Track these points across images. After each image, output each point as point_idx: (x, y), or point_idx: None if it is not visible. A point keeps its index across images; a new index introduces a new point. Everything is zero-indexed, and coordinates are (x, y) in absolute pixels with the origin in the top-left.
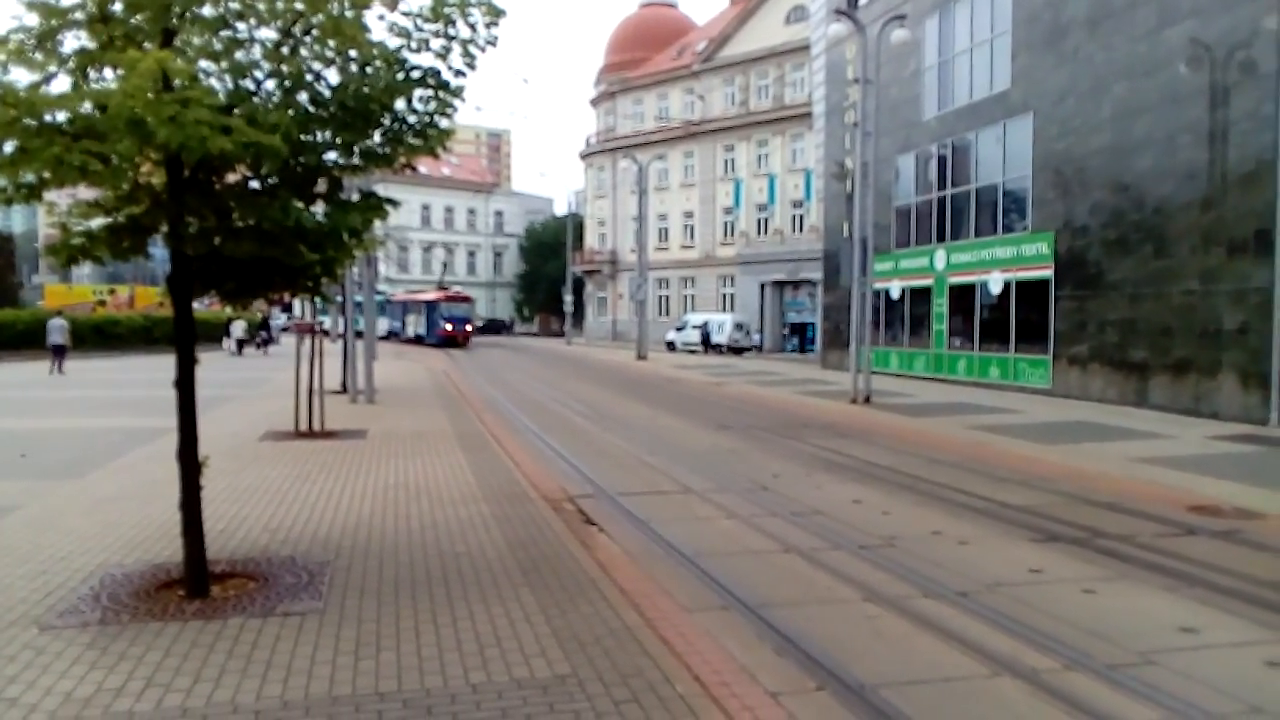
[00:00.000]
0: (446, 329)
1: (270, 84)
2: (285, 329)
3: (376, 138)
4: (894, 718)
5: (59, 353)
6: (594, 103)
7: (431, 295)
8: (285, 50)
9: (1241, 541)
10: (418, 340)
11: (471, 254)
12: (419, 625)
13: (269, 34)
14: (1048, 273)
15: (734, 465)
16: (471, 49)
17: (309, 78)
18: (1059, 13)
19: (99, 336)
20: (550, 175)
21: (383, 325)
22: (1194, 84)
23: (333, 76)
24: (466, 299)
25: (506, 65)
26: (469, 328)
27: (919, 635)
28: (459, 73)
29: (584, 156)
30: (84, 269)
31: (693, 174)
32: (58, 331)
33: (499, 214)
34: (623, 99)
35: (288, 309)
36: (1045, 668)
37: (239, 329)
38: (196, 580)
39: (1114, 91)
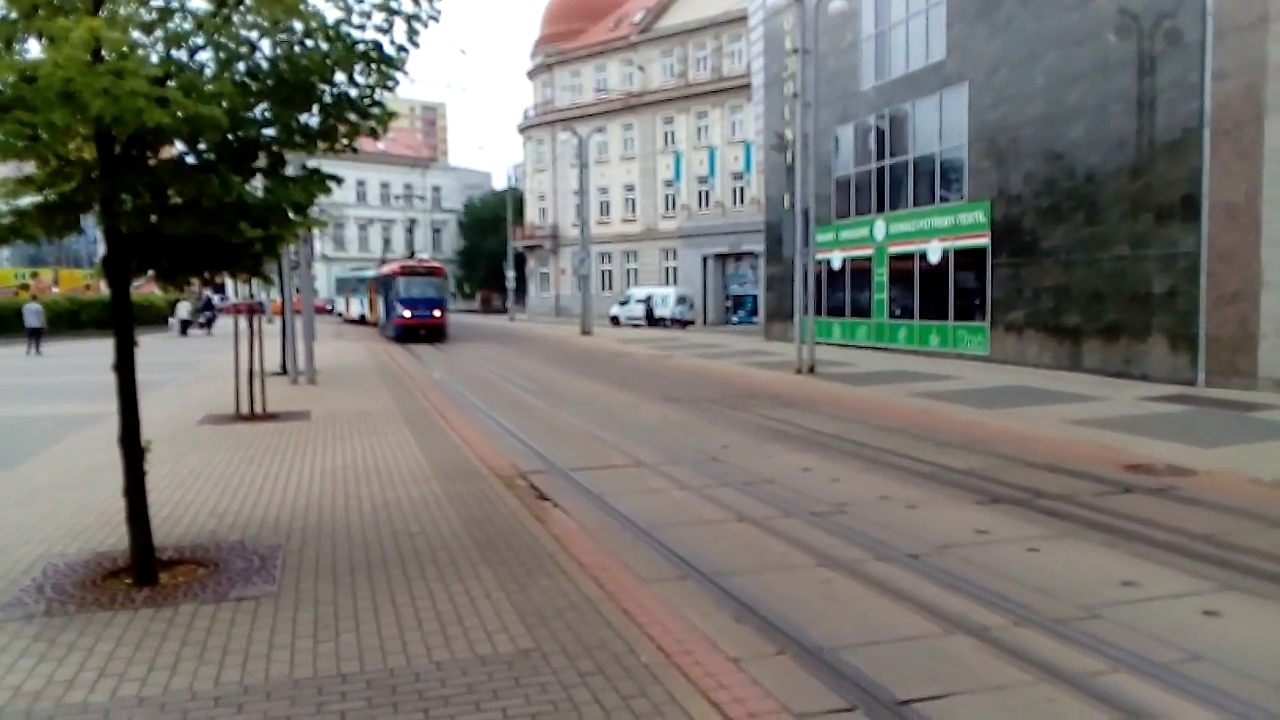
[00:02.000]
0: (404, 316)
1: (205, 55)
2: (222, 309)
3: (315, 113)
4: (853, 679)
5: (35, 335)
6: (531, 75)
7: (385, 268)
8: (219, 20)
9: (1175, 498)
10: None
11: (409, 230)
12: (378, 605)
13: (202, 4)
14: (984, 241)
15: (684, 437)
16: (415, 24)
17: (244, 49)
18: None
19: (22, 321)
20: (488, 149)
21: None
22: (1123, 53)
23: (269, 49)
24: (435, 270)
25: (441, 36)
26: (439, 313)
27: (873, 598)
28: (402, 48)
29: (522, 130)
30: (3, 251)
31: (633, 146)
32: (34, 315)
33: (436, 189)
34: (560, 71)
35: (220, 289)
36: (995, 624)
37: (184, 309)
38: (144, 567)
39: (1046, 61)
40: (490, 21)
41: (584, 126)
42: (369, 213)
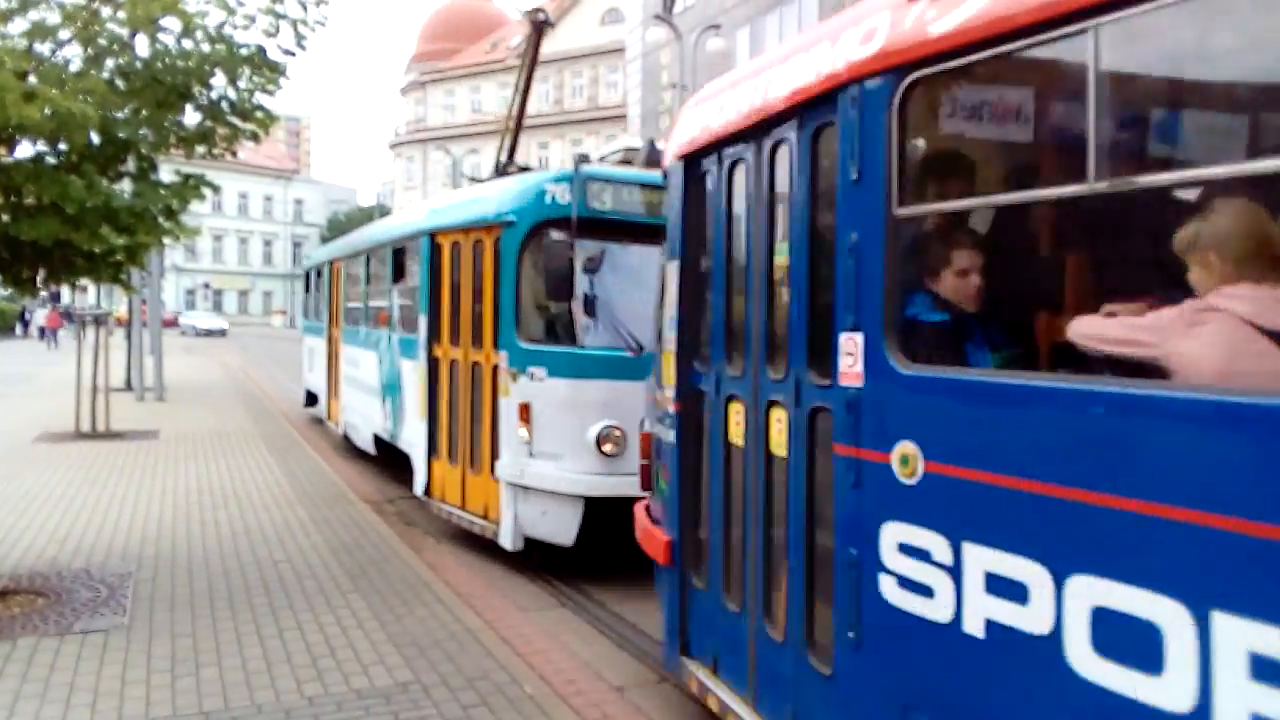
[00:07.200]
0: None
1: (70, 50)
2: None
3: (192, 115)
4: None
5: None
6: (404, 91)
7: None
8: (87, 13)
9: None
10: None
11: (268, 243)
12: (241, 638)
13: None
14: None
15: None
16: (302, 29)
17: (116, 46)
18: None
19: None
20: (355, 164)
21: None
22: None
23: (143, 48)
24: None
25: (312, 45)
26: None
27: None
28: (288, 52)
29: (393, 146)
30: None
31: None
32: None
33: (299, 202)
34: (434, 89)
35: (56, 297)
36: None
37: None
38: None
39: None
40: (363, 34)
41: (458, 146)
42: (225, 223)
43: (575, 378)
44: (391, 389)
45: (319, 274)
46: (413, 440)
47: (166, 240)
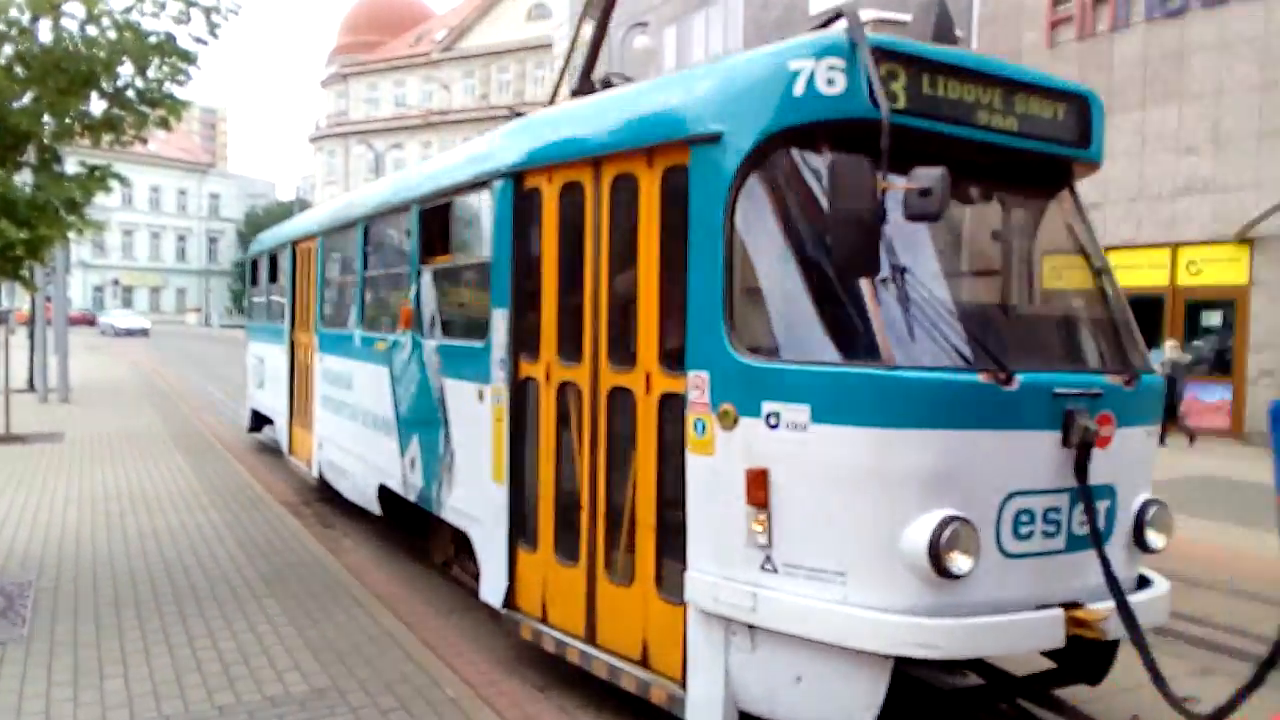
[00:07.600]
0: None
1: None
2: None
3: (96, 102)
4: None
5: None
6: (325, 84)
7: None
8: None
9: None
10: None
11: (182, 239)
12: (149, 648)
13: None
14: None
15: None
16: (215, 17)
17: (14, 31)
18: (786, 33)
19: None
20: (274, 158)
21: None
22: None
23: (45, 33)
24: None
25: (228, 33)
26: None
27: None
28: (200, 41)
29: (314, 140)
30: None
31: None
32: None
33: (215, 196)
34: (356, 82)
35: None
36: None
37: None
38: None
39: None
40: (282, 24)
41: (380, 141)
42: (136, 217)
43: (877, 425)
44: (421, 423)
45: (273, 261)
46: (475, 512)
47: (71, 235)
